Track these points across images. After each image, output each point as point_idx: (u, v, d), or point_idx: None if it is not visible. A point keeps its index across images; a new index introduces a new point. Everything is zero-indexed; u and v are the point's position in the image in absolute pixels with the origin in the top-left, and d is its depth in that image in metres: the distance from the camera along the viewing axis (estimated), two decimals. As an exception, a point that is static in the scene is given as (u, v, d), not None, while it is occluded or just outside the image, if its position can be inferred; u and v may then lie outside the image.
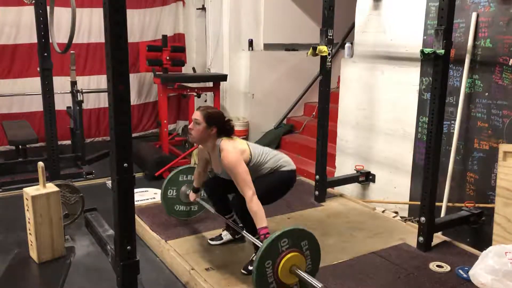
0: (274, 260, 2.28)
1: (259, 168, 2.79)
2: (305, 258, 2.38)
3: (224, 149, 2.66)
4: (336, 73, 4.93)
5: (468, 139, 3.34)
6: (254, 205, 2.54)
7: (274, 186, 2.81)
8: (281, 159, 2.86)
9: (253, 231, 2.65)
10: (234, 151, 2.65)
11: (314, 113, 5.82)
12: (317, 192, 3.90)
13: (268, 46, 5.94)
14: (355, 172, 4.19)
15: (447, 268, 2.79)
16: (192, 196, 3.24)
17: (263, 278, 2.26)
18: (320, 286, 2.20)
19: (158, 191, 4.25)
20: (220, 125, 2.74)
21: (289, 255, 2.30)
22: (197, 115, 2.72)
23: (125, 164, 2.09)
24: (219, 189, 3.01)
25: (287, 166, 2.85)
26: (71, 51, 4.56)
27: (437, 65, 2.82)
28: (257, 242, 2.57)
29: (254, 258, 2.68)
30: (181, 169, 3.36)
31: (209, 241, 3.14)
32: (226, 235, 3.13)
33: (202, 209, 3.44)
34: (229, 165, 2.63)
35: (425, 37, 3.58)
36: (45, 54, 3.57)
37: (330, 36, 3.62)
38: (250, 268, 2.67)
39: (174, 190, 3.35)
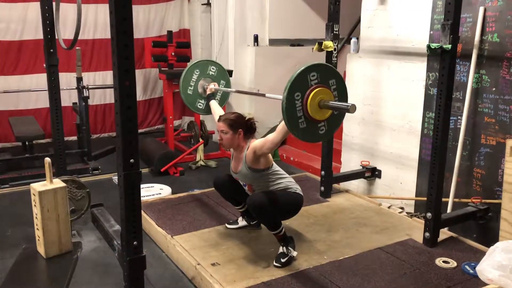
0: (303, 93, 2.30)
1: (275, 179, 2.88)
2: (333, 97, 2.40)
3: (254, 142, 2.82)
4: (342, 68, 4.90)
5: (475, 135, 3.32)
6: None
7: (289, 203, 2.86)
8: (295, 184, 2.96)
9: (273, 226, 2.79)
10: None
11: (319, 109, 5.80)
12: (322, 188, 3.90)
13: (273, 42, 5.93)
14: (361, 167, 4.18)
15: (453, 264, 2.79)
16: (210, 88, 3.45)
17: (292, 111, 2.29)
18: (349, 105, 2.25)
19: (164, 187, 4.29)
20: (244, 127, 2.90)
21: (318, 89, 2.31)
22: (221, 126, 2.88)
23: (132, 160, 2.10)
24: (228, 187, 3.14)
25: (298, 190, 2.93)
26: (77, 47, 4.57)
27: (443, 60, 2.81)
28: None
29: (283, 250, 2.80)
30: (181, 87, 3.46)
31: (226, 225, 3.33)
32: (242, 221, 3.31)
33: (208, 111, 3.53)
34: (255, 144, 2.75)
35: (431, 32, 3.55)
36: (51, 50, 3.57)
37: (336, 31, 3.61)
38: (283, 260, 2.77)
39: (200, 99, 3.51)
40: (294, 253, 2.82)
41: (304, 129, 2.36)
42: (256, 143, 2.78)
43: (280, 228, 2.81)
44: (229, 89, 3.57)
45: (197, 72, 3.47)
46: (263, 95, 3.04)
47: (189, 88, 3.45)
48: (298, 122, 2.33)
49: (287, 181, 2.92)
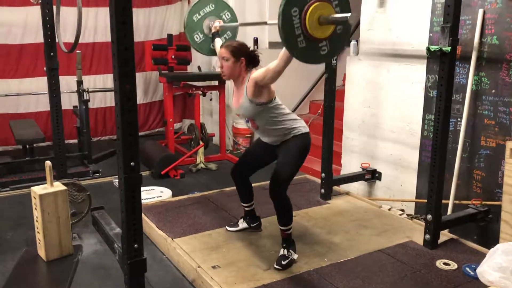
0: (301, 8, 2.14)
1: (278, 114, 2.80)
2: (335, 13, 2.24)
3: (254, 73, 2.72)
4: (342, 71, 4.92)
5: (474, 137, 3.33)
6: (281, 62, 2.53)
7: (299, 157, 2.83)
8: (299, 121, 2.90)
9: (285, 221, 2.82)
10: None
11: (319, 111, 5.81)
12: (323, 190, 3.90)
13: (273, 44, 5.92)
14: (361, 170, 4.18)
15: (454, 265, 2.79)
16: (221, 22, 3.37)
17: (290, 28, 2.14)
18: (348, 15, 2.13)
19: (165, 189, 4.29)
20: (247, 55, 2.80)
21: (317, 3, 2.16)
22: (223, 52, 2.78)
23: (132, 163, 2.10)
24: (245, 171, 3.13)
25: (303, 129, 2.86)
26: (77, 51, 4.58)
27: (443, 63, 2.81)
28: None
29: (285, 253, 2.80)
30: (190, 9, 3.36)
31: (227, 227, 3.31)
32: (243, 223, 3.30)
33: (211, 51, 3.43)
34: (256, 75, 2.66)
35: (431, 34, 3.56)
36: (52, 53, 3.57)
37: (335, 33, 3.61)
38: (284, 262, 2.76)
39: (199, 33, 3.40)
40: (295, 256, 2.82)
41: (304, 48, 2.21)
42: (257, 73, 2.67)
43: (290, 226, 2.83)
44: (233, 24, 3.44)
45: (213, 6, 3.38)
46: (265, 23, 2.95)
47: (196, 15, 3.35)
48: (297, 41, 2.17)
49: (290, 119, 2.84)
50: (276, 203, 2.82)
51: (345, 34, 2.36)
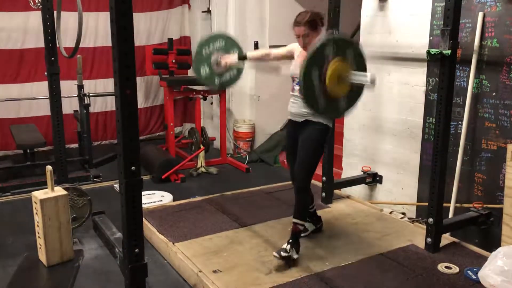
0: (321, 68, 2.33)
1: None
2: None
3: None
4: (342, 75, 4.92)
5: (475, 140, 3.32)
6: None
7: (320, 146, 2.91)
8: None
9: (302, 213, 2.87)
10: None
11: (320, 115, 5.81)
12: (324, 194, 3.89)
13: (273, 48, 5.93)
14: (362, 173, 4.18)
15: (455, 269, 2.78)
16: (230, 58, 3.23)
17: (310, 88, 2.34)
18: (369, 76, 2.29)
19: (165, 194, 4.28)
20: (321, 20, 2.86)
21: (336, 62, 2.35)
22: (301, 30, 2.81)
23: (133, 167, 2.10)
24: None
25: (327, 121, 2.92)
26: (78, 55, 4.59)
27: (443, 66, 2.82)
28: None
29: (287, 247, 2.80)
30: (201, 43, 3.32)
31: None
32: (310, 226, 3.28)
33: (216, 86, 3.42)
34: None
35: (431, 38, 3.56)
36: (52, 58, 3.58)
37: (335, 37, 3.62)
38: (283, 254, 2.77)
39: (206, 66, 3.33)
40: (295, 256, 2.82)
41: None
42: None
43: (304, 221, 2.86)
44: (238, 61, 3.30)
45: (222, 42, 3.35)
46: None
47: (206, 48, 3.30)
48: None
49: None
50: (298, 193, 2.86)
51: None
